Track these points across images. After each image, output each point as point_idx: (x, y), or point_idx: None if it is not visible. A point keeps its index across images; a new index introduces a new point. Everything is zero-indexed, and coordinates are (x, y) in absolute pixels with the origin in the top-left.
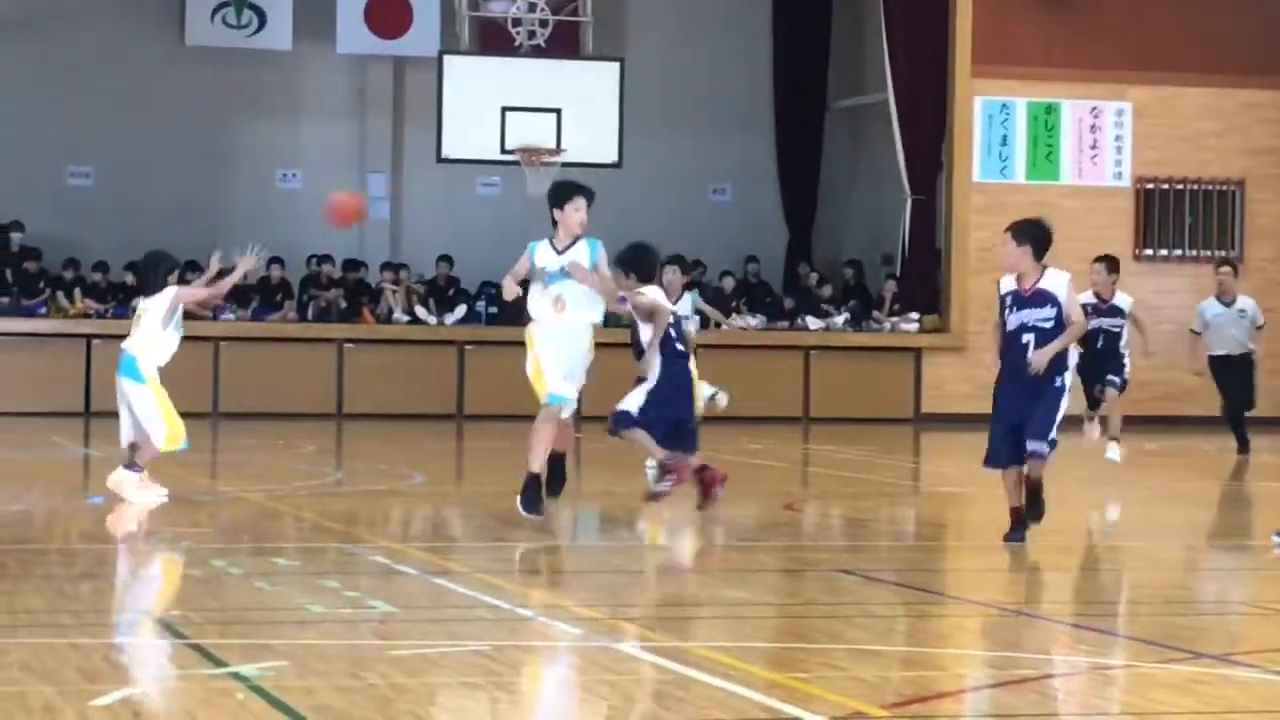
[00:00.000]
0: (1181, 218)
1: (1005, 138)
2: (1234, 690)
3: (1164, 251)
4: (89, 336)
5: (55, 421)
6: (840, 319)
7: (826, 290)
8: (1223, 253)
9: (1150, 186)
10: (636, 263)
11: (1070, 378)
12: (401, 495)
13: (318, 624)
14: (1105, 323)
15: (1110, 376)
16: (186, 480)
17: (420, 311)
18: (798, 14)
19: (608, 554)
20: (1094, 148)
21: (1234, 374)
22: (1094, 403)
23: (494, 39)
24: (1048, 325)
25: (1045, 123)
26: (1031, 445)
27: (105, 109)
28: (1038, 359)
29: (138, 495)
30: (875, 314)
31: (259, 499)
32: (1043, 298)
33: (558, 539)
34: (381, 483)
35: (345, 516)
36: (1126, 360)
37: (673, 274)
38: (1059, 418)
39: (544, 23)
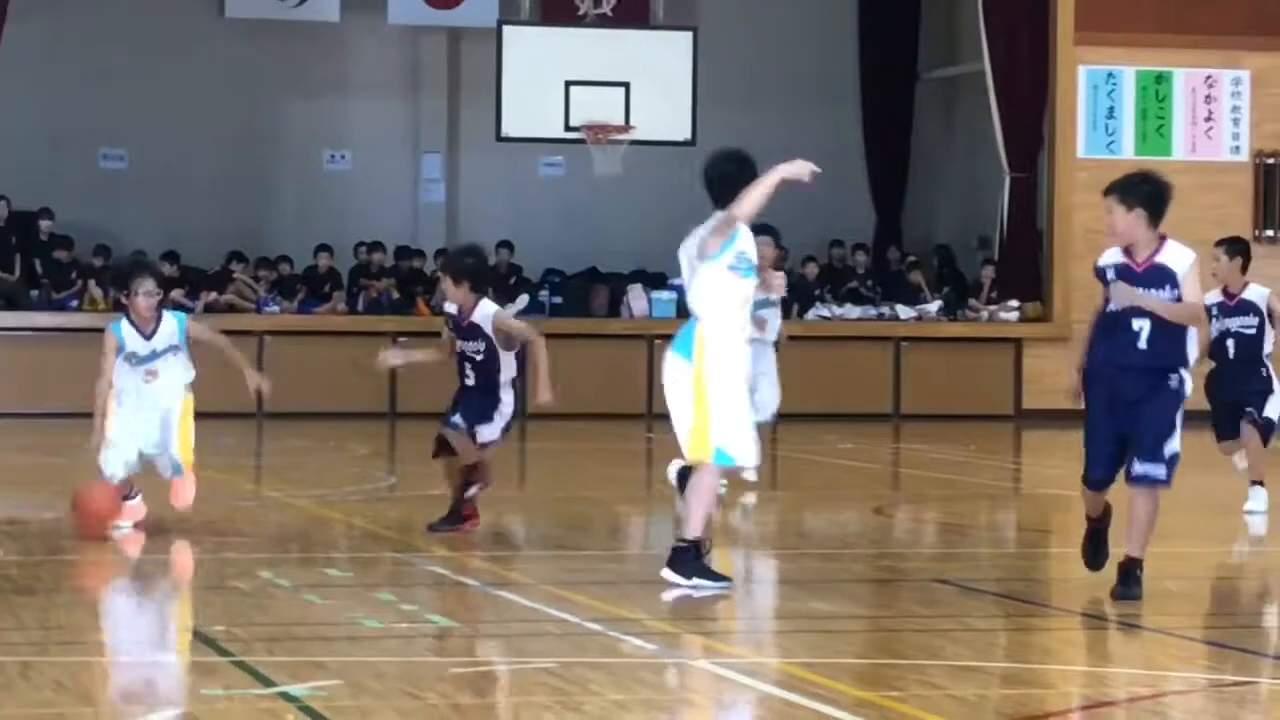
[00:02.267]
0: None
1: (1112, 110)
2: None
3: None
4: None
5: (88, 423)
6: (934, 307)
7: (918, 276)
8: None
9: (1271, 161)
10: (476, 273)
11: (1190, 378)
12: None
13: (373, 640)
14: (1234, 324)
15: (1249, 409)
16: (231, 485)
17: None
18: None
19: None
20: (1209, 120)
21: None
22: (1224, 436)
23: (557, 7)
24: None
25: (1156, 93)
26: (1141, 468)
27: (139, 87)
28: (1127, 293)
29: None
30: (971, 302)
31: (308, 505)
32: (1161, 275)
33: (627, 547)
34: (438, 487)
35: (401, 524)
36: (1273, 378)
37: (765, 246)
38: (1178, 430)
39: None
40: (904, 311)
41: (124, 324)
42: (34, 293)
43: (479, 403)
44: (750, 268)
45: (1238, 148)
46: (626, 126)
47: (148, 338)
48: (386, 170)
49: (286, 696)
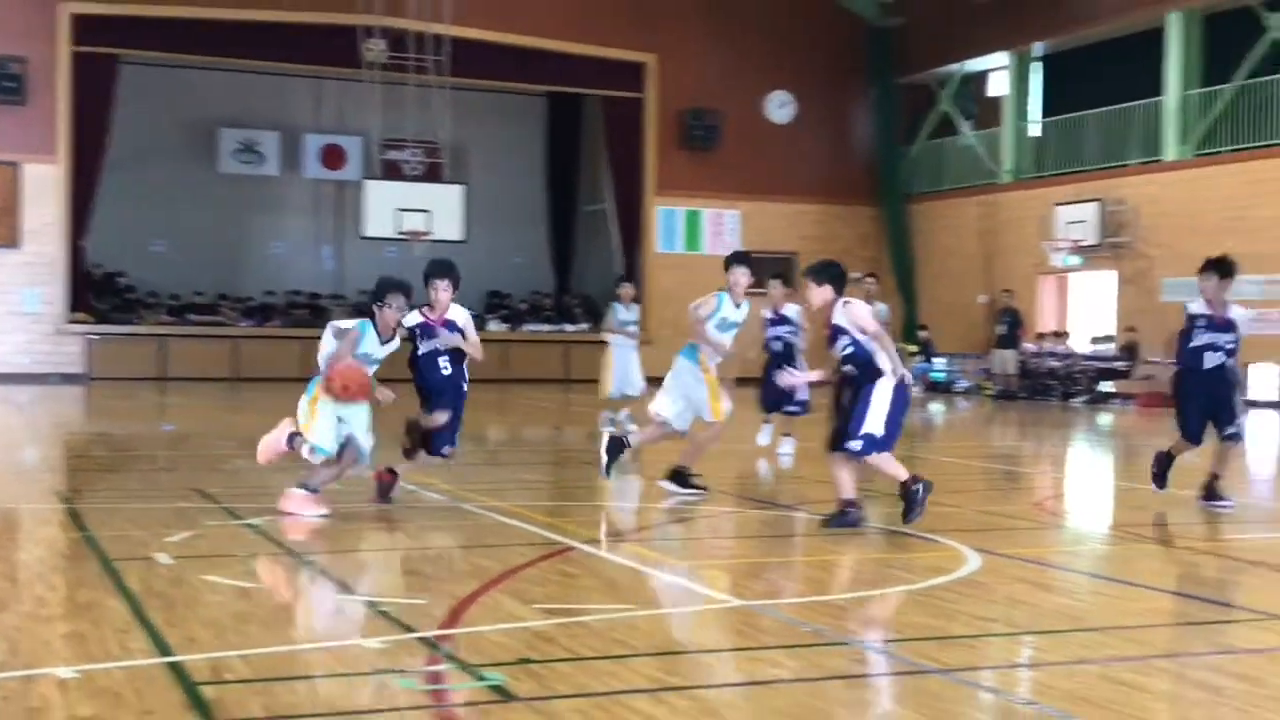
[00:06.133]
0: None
1: (672, 229)
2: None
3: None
4: (162, 336)
5: (137, 385)
6: (586, 326)
7: (579, 310)
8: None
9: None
10: (459, 279)
11: (890, 382)
12: None
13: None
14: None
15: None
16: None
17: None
18: (560, 154)
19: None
20: (720, 234)
21: None
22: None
23: (393, 171)
24: (849, 352)
25: (693, 221)
26: (846, 443)
27: (173, 209)
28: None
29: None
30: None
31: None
32: (835, 330)
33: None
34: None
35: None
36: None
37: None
38: (868, 414)
39: (421, 162)
40: (569, 328)
41: (371, 328)
42: (113, 314)
43: (458, 404)
44: (731, 327)
45: (735, 248)
46: (429, 232)
47: (384, 343)
48: (303, 253)
49: (249, 525)
